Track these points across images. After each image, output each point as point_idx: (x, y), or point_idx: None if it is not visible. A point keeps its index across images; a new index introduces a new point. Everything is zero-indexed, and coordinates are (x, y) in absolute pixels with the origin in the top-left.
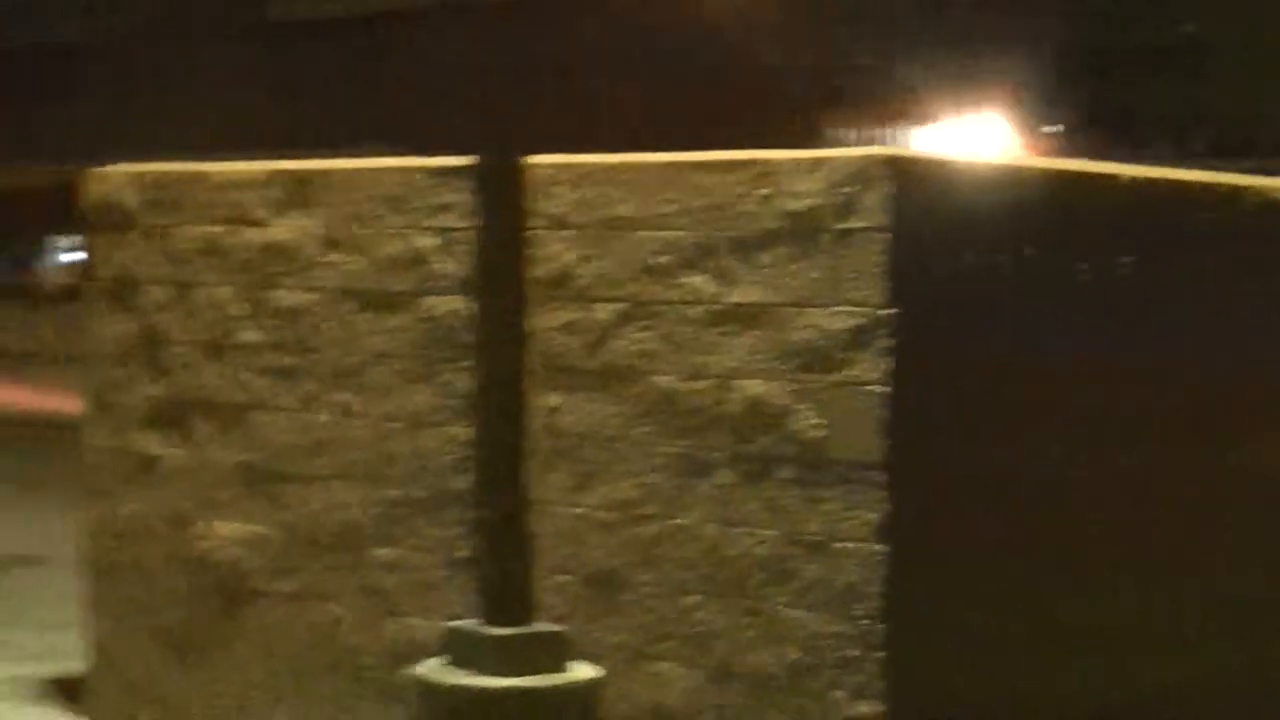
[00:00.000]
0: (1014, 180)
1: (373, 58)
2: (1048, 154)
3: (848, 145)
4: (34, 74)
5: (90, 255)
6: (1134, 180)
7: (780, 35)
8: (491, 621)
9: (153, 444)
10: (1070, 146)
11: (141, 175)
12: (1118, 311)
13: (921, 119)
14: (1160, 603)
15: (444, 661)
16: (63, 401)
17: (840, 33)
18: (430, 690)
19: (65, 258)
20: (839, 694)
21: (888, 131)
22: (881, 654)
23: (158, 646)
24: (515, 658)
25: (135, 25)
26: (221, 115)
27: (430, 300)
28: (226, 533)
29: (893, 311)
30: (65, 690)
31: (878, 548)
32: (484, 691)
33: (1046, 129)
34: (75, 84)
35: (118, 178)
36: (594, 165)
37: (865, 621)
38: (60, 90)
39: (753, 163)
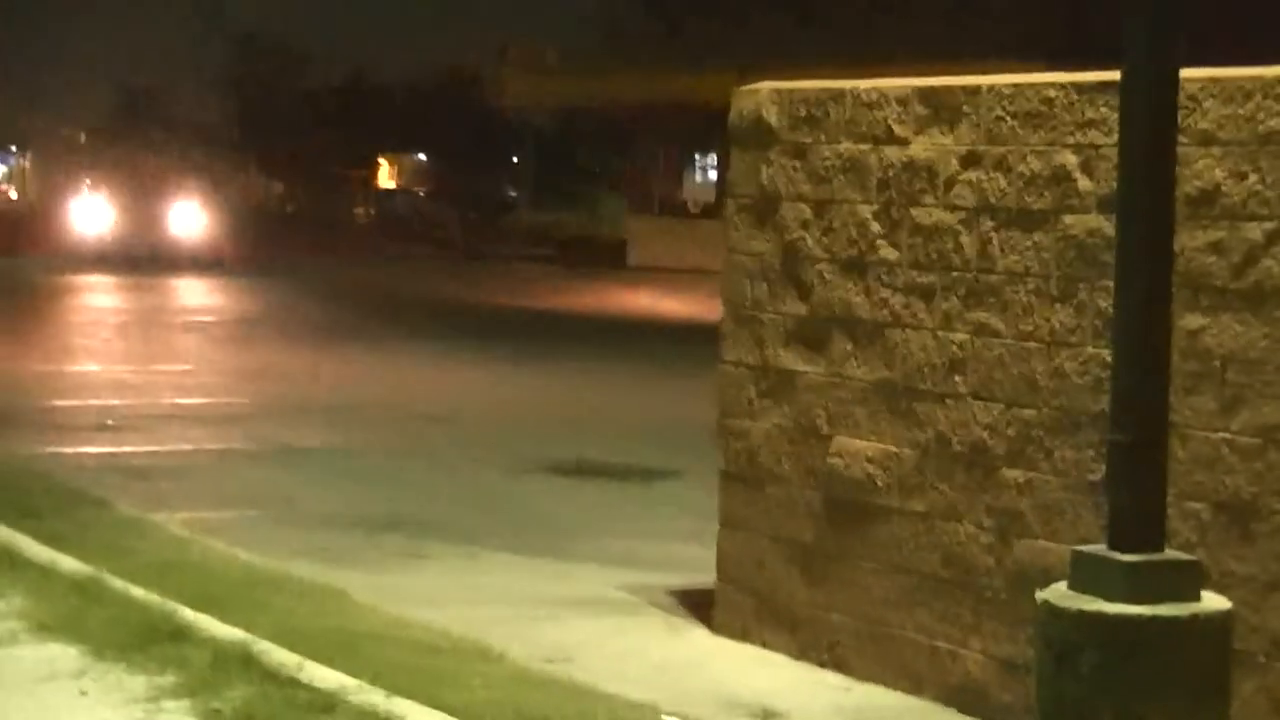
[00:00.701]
0: None
1: None
2: None
3: None
4: None
5: (733, 171)
6: None
7: None
8: (1121, 547)
9: (791, 360)
10: None
11: (786, 92)
12: None
13: None
14: None
15: (1070, 586)
16: (702, 313)
17: None
18: (1055, 614)
19: (708, 174)
20: None
21: None
22: None
23: (785, 561)
24: (1144, 585)
25: None
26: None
27: (1070, 218)
28: (860, 449)
29: None
30: (691, 601)
31: None
32: (1111, 618)
33: None
34: None
35: (763, 94)
36: (1248, 78)
37: None
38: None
39: None
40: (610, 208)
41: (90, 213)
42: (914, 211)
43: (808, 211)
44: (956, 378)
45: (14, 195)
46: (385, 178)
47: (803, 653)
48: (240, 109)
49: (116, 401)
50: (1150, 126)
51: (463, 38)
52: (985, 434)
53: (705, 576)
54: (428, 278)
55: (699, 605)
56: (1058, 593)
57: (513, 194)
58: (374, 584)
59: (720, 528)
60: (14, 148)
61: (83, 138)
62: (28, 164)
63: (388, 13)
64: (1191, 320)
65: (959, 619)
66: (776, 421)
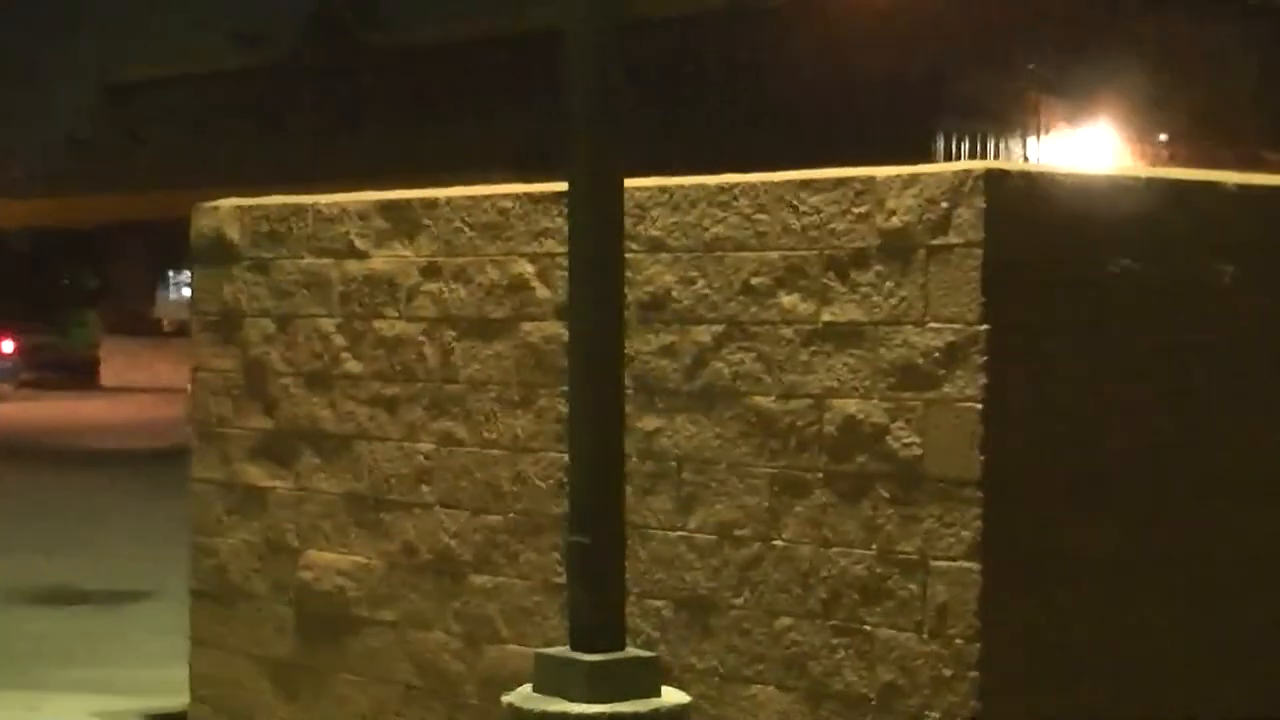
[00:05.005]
0: (1112, 191)
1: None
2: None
3: (960, 158)
4: None
5: (196, 289)
6: (1239, 188)
7: (894, 46)
8: (582, 648)
9: (258, 475)
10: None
11: (247, 208)
12: (1219, 321)
13: (1040, 129)
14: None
15: (535, 688)
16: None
17: (953, 44)
18: (520, 717)
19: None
20: (933, 715)
21: (1003, 142)
22: (975, 674)
23: (261, 678)
24: (605, 684)
25: None
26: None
27: (528, 326)
28: (331, 562)
29: (986, 328)
30: None
31: (972, 565)
32: (573, 718)
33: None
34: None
35: (223, 211)
36: (692, 187)
37: (959, 641)
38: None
39: (850, 180)
40: (86, 327)
41: None
42: (376, 324)
43: (271, 327)
44: (423, 487)
45: None
46: None
47: None
48: None
49: None
50: (594, 235)
51: None
52: (453, 541)
53: (183, 698)
54: None
55: None
56: (523, 695)
57: None
58: None
59: (193, 647)
60: None
61: None
62: None
63: None
64: (648, 422)
65: None
66: (245, 537)
